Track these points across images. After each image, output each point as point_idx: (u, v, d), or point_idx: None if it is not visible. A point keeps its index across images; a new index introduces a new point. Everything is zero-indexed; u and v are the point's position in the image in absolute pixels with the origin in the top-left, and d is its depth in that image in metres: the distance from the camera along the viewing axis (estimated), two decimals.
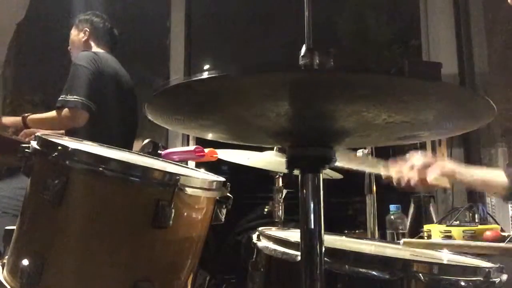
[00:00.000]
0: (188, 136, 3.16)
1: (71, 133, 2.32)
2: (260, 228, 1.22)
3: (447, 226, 1.89)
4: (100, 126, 2.30)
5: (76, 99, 2.24)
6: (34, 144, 1.13)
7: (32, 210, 1.14)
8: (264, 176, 1.90)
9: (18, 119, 2.38)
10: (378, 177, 1.82)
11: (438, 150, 2.77)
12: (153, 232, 1.06)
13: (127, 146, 2.29)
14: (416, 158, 1.43)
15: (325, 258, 0.79)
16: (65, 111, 2.24)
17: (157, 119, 0.79)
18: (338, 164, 1.24)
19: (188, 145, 3.15)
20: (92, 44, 2.58)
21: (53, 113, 2.31)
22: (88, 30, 2.59)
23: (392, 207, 2.14)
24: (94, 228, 1.06)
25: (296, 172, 0.80)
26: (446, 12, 3.05)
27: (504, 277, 0.97)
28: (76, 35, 2.61)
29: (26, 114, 2.36)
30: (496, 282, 0.94)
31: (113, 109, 2.41)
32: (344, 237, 1.42)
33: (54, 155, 1.05)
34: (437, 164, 1.41)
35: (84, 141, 1.36)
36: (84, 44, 2.57)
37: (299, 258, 0.79)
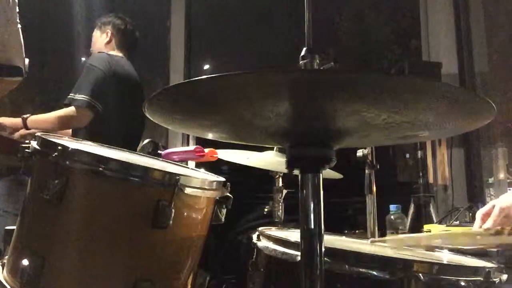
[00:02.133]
0: (188, 136, 3.16)
1: (76, 132, 2.32)
2: (260, 228, 1.22)
3: (447, 226, 1.89)
4: (108, 127, 2.31)
5: (82, 98, 2.25)
6: (34, 144, 1.13)
7: (32, 210, 1.14)
8: (264, 176, 1.90)
9: (18, 120, 2.37)
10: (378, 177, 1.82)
11: (438, 150, 2.77)
12: (153, 232, 1.06)
13: (132, 148, 2.29)
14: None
15: (325, 258, 0.79)
16: (71, 109, 2.25)
17: (157, 119, 0.79)
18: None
19: (188, 145, 3.15)
20: (114, 46, 2.61)
21: (55, 112, 2.30)
22: (110, 31, 2.62)
23: (392, 207, 2.14)
24: (94, 228, 1.06)
25: (296, 172, 0.80)
26: (446, 12, 3.05)
27: (504, 277, 0.97)
28: (99, 37, 2.64)
29: (26, 116, 2.35)
30: (496, 282, 0.94)
31: (122, 111, 2.42)
32: (344, 237, 1.42)
33: (54, 155, 1.05)
34: None
35: (84, 141, 1.37)
36: (105, 46, 2.59)
37: (299, 258, 0.79)
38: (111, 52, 2.55)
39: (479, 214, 1.37)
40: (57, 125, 2.30)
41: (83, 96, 2.25)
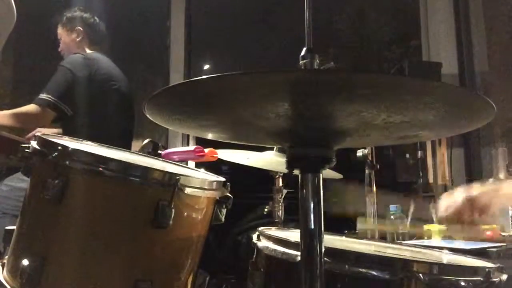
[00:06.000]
0: (188, 136, 3.16)
1: (70, 133, 2.31)
2: (260, 228, 1.22)
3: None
4: (98, 128, 2.28)
5: (44, 97, 2.22)
6: (34, 144, 1.13)
7: (32, 210, 1.14)
8: (264, 176, 1.90)
9: None
10: (378, 177, 1.82)
11: (438, 150, 2.77)
12: (153, 232, 1.06)
13: (125, 146, 2.27)
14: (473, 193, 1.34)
15: (325, 258, 0.79)
16: (31, 107, 2.23)
17: (156, 119, 0.79)
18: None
19: (188, 145, 3.15)
20: (86, 44, 2.49)
21: (15, 109, 2.27)
22: (81, 29, 2.48)
23: (392, 207, 2.14)
24: (94, 228, 1.06)
25: (296, 172, 0.80)
26: (446, 12, 3.05)
27: (504, 277, 0.97)
28: (68, 35, 2.50)
29: None
30: (496, 282, 0.94)
31: (110, 111, 2.38)
32: (344, 237, 1.42)
33: (54, 155, 1.05)
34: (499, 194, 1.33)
35: (84, 141, 1.36)
36: (77, 45, 2.48)
37: (299, 258, 0.79)
38: (88, 52, 2.44)
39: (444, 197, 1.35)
40: (11, 121, 2.26)
41: (46, 95, 2.23)
